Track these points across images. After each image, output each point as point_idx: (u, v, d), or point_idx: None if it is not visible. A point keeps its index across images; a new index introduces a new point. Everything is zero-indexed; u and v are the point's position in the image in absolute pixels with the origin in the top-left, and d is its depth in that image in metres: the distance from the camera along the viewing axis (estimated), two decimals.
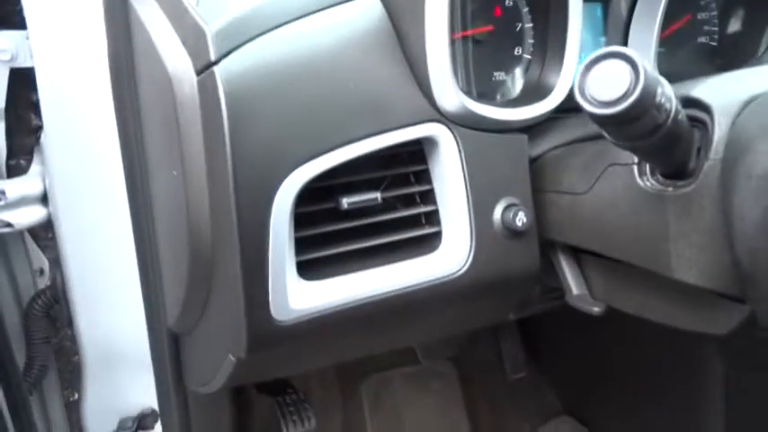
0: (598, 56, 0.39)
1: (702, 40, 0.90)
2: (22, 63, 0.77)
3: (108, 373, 0.94)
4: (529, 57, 0.74)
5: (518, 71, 0.75)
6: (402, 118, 0.60)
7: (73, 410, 1.02)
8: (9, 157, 0.86)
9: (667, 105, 0.40)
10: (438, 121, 0.62)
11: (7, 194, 0.79)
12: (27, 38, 0.76)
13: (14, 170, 0.87)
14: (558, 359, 1.37)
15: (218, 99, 0.50)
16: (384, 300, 0.61)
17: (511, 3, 0.74)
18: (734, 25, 0.91)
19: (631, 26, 0.79)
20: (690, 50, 0.89)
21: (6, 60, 0.76)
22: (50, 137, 0.79)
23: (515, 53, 0.74)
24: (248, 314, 0.53)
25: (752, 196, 0.40)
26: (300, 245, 0.58)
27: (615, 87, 0.38)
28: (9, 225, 0.80)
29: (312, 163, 0.54)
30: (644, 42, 0.79)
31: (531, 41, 0.74)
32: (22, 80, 0.79)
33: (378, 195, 0.61)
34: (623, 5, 0.80)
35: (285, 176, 0.53)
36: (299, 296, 0.56)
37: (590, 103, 0.39)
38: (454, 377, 1.38)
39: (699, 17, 0.88)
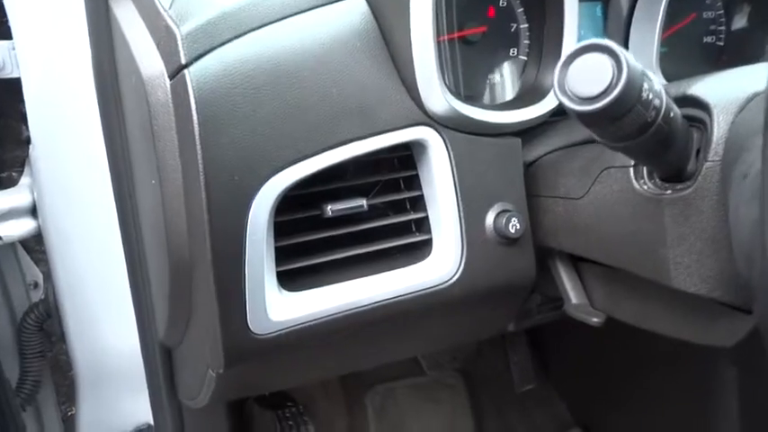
0: (578, 49, 0.37)
1: (708, 39, 0.86)
2: (9, 74, 0.76)
3: (103, 387, 0.93)
4: (524, 58, 0.72)
5: (513, 73, 0.72)
6: (388, 121, 0.58)
7: (71, 425, 1.00)
8: (0, 169, 0.85)
9: (656, 102, 0.37)
10: (426, 125, 0.60)
11: None
12: (13, 48, 0.75)
13: (5, 183, 0.86)
14: (569, 369, 1.34)
15: (189, 103, 0.48)
16: (371, 310, 0.58)
17: (505, 3, 0.71)
18: (740, 23, 0.87)
19: (632, 25, 0.76)
20: (694, 50, 0.86)
21: None
22: (38, 148, 0.78)
23: (510, 54, 0.72)
24: (224, 328, 0.51)
25: (748, 197, 0.37)
26: (282, 254, 0.56)
27: (597, 82, 0.35)
28: None
29: (291, 169, 0.52)
30: (645, 42, 0.76)
31: (527, 42, 0.72)
32: (11, 91, 0.78)
33: (363, 202, 0.58)
34: (624, 4, 0.77)
35: (262, 183, 0.50)
36: (279, 308, 0.54)
37: (570, 99, 0.37)
38: (461, 388, 1.35)
39: (704, 16, 0.85)
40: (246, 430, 1.09)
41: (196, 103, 0.48)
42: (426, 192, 0.61)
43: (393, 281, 0.59)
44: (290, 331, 0.54)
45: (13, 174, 0.86)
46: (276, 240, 0.55)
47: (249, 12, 0.53)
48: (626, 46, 0.77)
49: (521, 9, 0.72)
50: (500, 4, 0.71)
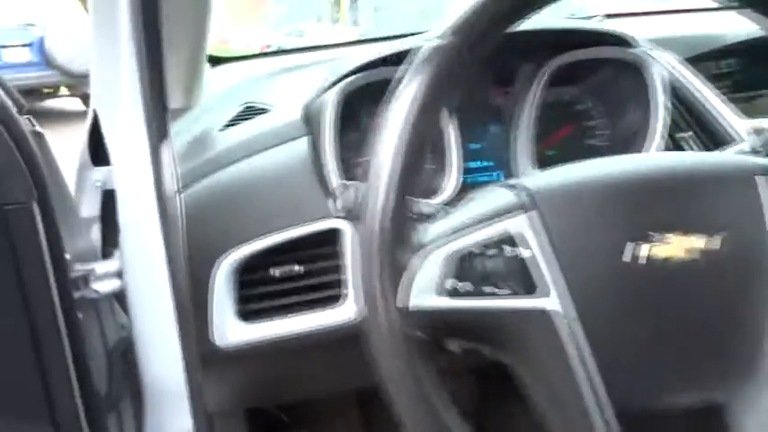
0: None
1: (592, 142, 1.12)
2: (110, 186, 1.20)
3: (161, 402, 1.30)
4: (429, 166, 1.03)
5: None
6: (314, 215, 0.92)
7: None
8: (104, 246, 1.29)
9: None
10: (340, 217, 0.93)
11: (97, 271, 1.20)
12: (112, 171, 1.18)
13: (107, 255, 1.29)
14: None
15: (181, 212, 0.86)
16: (301, 338, 0.90)
17: None
18: (622, 126, 1.12)
19: (512, 141, 1.05)
20: (583, 150, 1.12)
21: (100, 186, 1.20)
22: (124, 234, 1.19)
23: None
24: (199, 345, 0.85)
25: None
26: (246, 299, 0.90)
27: None
28: (97, 292, 1.20)
29: (243, 247, 0.88)
30: (523, 153, 1.04)
31: (430, 155, 1.04)
32: (111, 198, 1.22)
33: (298, 268, 0.92)
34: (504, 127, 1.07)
35: (220, 255, 0.87)
36: (235, 333, 0.88)
37: None
38: None
39: (584, 124, 1.12)
40: None
41: (186, 211, 0.86)
42: (341, 261, 0.93)
43: (316, 319, 0.91)
44: (244, 348, 0.88)
45: (112, 249, 1.29)
46: (242, 290, 0.90)
47: (224, 156, 0.91)
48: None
49: None
50: None
